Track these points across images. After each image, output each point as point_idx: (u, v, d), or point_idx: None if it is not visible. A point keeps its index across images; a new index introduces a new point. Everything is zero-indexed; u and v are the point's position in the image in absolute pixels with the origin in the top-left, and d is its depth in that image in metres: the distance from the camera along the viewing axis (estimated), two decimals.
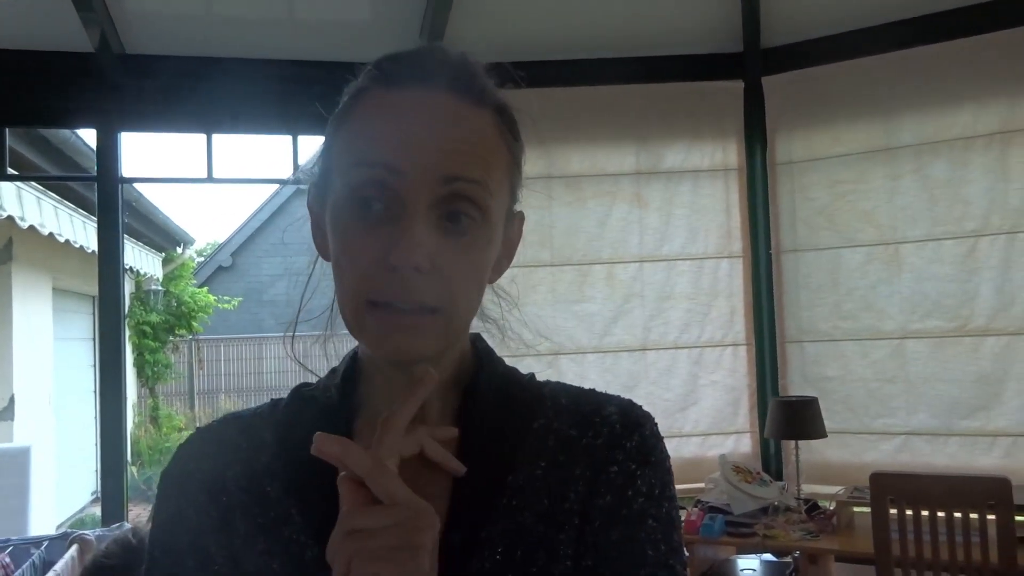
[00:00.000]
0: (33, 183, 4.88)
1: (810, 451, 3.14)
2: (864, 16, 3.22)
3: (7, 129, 3.30)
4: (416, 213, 0.60)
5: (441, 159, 0.61)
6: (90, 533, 2.47)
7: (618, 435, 0.68)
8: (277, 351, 12.27)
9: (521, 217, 0.72)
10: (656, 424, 0.71)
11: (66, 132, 4.68)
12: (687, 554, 2.89)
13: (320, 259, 0.72)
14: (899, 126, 3.17)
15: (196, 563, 0.65)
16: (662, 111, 3.47)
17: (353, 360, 0.72)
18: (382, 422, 0.60)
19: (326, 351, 0.75)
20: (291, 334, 0.73)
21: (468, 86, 0.65)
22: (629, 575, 0.64)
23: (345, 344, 0.73)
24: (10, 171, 3.45)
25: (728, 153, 3.46)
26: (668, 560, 0.65)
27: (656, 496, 0.67)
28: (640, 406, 0.72)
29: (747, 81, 3.43)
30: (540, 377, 0.76)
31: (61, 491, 6.14)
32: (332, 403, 0.70)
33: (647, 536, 0.65)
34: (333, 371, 0.73)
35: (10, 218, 4.35)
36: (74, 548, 2.50)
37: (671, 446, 0.71)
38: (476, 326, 0.73)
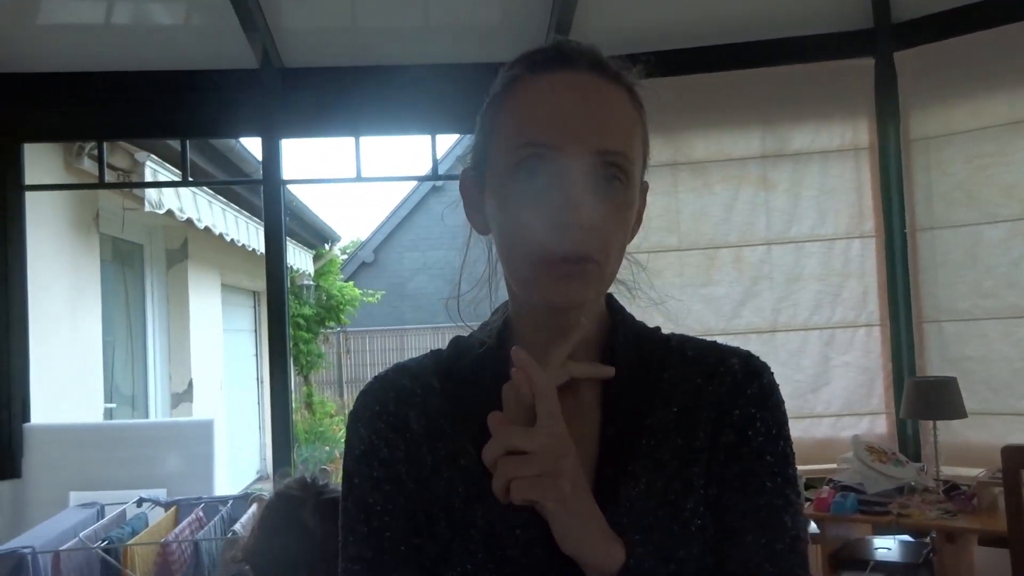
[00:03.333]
0: (205, 188, 5.42)
1: (950, 433, 3.06)
2: None
3: (188, 141, 3.74)
4: (578, 181, 0.70)
5: (594, 133, 0.71)
6: (267, 493, 2.80)
7: (739, 383, 0.78)
8: (417, 342, 12.85)
9: (646, 186, 0.81)
10: (773, 373, 0.80)
11: (230, 140, 5.17)
12: (813, 525, 2.89)
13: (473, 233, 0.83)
14: None
15: (392, 488, 0.76)
16: (788, 93, 3.47)
17: (504, 316, 0.82)
18: (545, 361, 0.72)
19: (490, 307, 0.85)
20: (456, 296, 0.84)
21: (605, 68, 0.75)
22: (749, 503, 0.74)
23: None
24: (189, 178, 3.90)
25: (859, 132, 3.42)
26: (784, 490, 0.75)
27: (773, 435, 0.76)
28: (758, 357, 0.81)
29: (878, 58, 3.37)
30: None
31: (230, 470, 6.76)
32: (490, 353, 0.80)
33: (765, 469, 0.75)
34: (484, 325, 0.84)
35: (189, 220, 4.86)
36: (254, 506, 2.84)
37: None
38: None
